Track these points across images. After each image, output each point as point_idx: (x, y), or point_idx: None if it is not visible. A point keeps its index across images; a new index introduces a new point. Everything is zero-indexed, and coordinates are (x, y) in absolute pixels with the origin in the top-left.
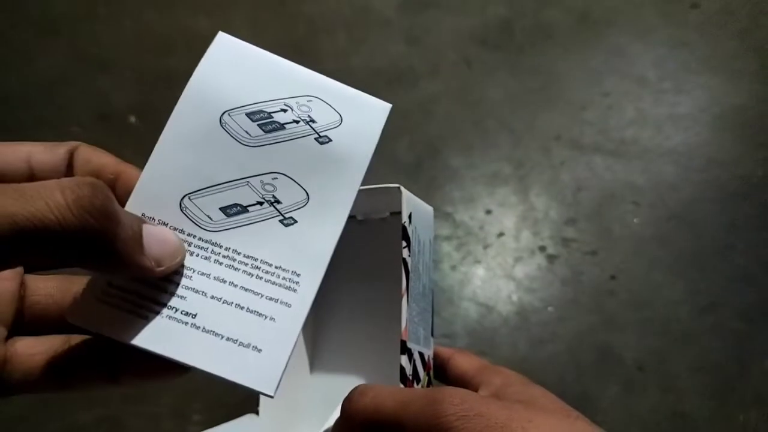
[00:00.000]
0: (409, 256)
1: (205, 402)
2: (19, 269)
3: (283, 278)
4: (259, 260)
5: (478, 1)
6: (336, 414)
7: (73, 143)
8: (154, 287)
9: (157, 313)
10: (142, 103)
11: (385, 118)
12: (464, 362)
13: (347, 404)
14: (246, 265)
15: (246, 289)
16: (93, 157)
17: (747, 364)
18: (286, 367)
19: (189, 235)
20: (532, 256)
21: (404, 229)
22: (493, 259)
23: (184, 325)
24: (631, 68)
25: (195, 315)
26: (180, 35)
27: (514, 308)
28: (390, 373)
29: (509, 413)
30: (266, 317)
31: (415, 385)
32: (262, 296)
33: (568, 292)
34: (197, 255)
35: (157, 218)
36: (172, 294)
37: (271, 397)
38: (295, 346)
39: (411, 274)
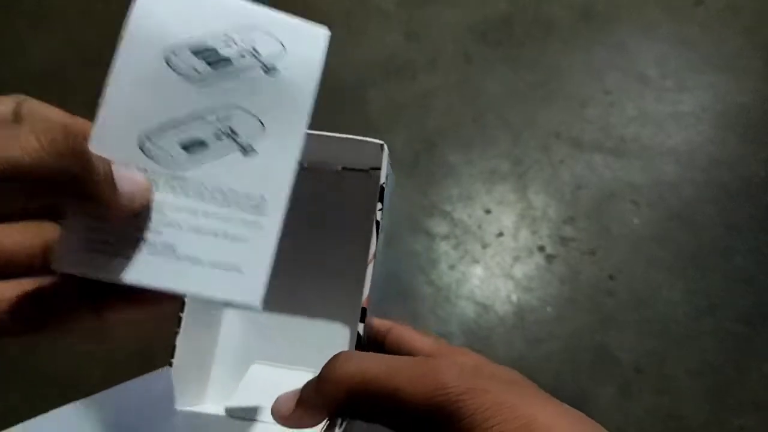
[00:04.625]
0: (382, 219)
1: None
2: None
3: (252, 204)
4: (226, 189)
5: None
6: (244, 389)
7: (19, 96)
8: (131, 226)
9: (139, 250)
10: None
11: (326, 44)
12: (414, 338)
13: (330, 371)
14: (214, 196)
15: (218, 218)
16: (40, 109)
17: (745, 367)
18: (266, 282)
19: (153, 173)
20: (531, 255)
21: (382, 189)
22: (492, 258)
23: (166, 257)
24: (633, 65)
25: (174, 247)
26: None
27: (511, 308)
28: (337, 340)
29: (514, 392)
30: (241, 240)
31: None
32: (235, 222)
33: (567, 292)
34: (165, 192)
35: (118, 160)
36: (149, 231)
37: (258, 309)
38: (272, 263)
39: (380, 238)
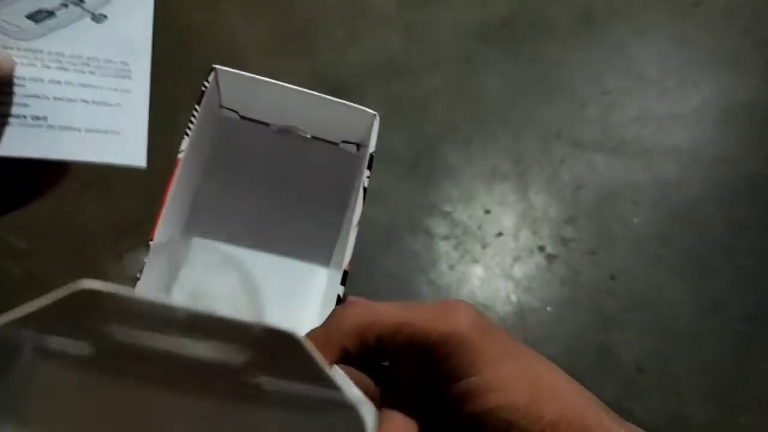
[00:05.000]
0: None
1: None
2: None
3: (116, 69)
4: (85, 57)
5: None
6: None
7: None
8: None
9: (7, 124)
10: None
11: None
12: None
13: (338, 314)
14: (75, 64)
15: (84, 85)
16: None
17: (748, 366)
18: (146, 143)
19: (4, 47)
20: (531, 255)
21: (371, 158)
22: (492, 258)
23: (38, 128)
24: (633, 65)
25: (45, 117)
26: (175, 27)
27: (512, 308)
28: (308, 298)
29: (521, 349)
30: (113, 105)
31: None
32: (102, 88)
33: (567, 292)
34: (22, 64)
35: None
36: (15, 104)
37: (143, 168)
38: (147, 123)
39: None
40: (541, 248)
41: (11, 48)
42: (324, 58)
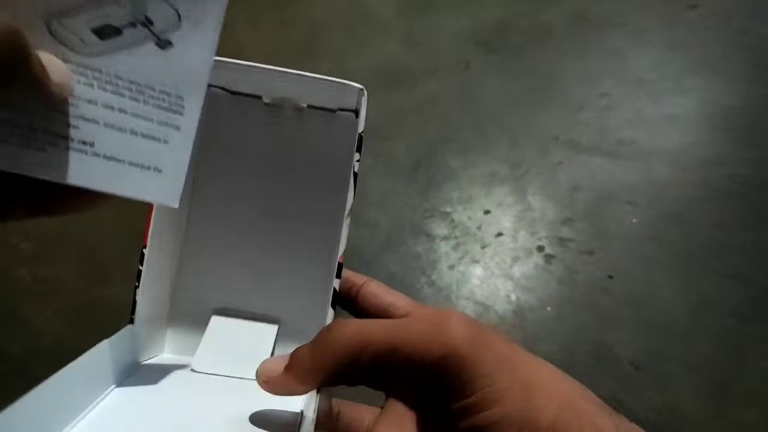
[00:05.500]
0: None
1: None
2: None
3: (169, 102)
4: (143, 85)
5: (477, 3)
6: (207, 344)
7: None
8: (47, 120)
9: (56, 145)
10: None
11: None
12: (389, 293)
13: (327, 334)
14: (130, 90)
15: (136, 115)
16: None
17: (743, 362)
18: (184, 182)
19: (65, 61)
20: (530, 255)
21: (360, 138)
22: (491, 258)
23: (83, 154)
24: (629, 69)
25: (93, 143)
26: None
27: (511, 307)
28: (308, 296)
29: (514, 351)
30: (160, 140)
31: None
32: (153, 121)
33: (565, 291)
34: (80, 82)
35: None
36: (67, 125)
37: (175, 207)
38: (189, 164)
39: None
40: (540, 248)
41: (71, 62)
42: (324, 65)
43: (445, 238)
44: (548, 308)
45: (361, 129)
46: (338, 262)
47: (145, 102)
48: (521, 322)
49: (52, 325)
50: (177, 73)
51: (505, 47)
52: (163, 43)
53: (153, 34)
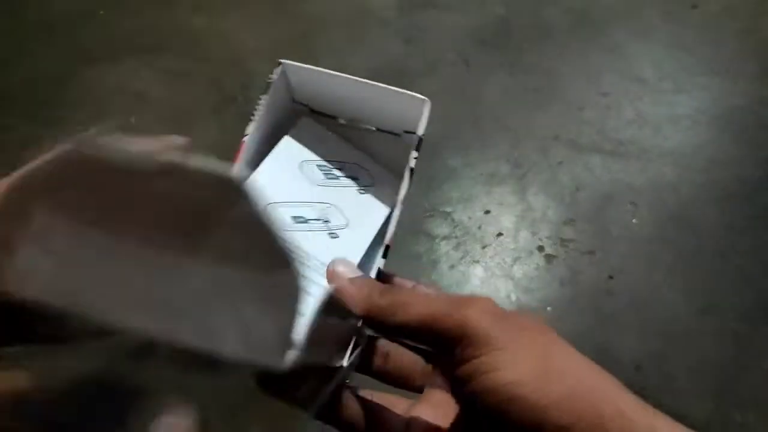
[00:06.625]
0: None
1: None
2: None
3: (322, 272)
4: (311, 256)
5: (477, 1)
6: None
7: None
8: None
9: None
10: (141, 102)
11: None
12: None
13: (405, 294)
14: (302, 257)
15: (310, 294)
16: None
17: (746, 365)
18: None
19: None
20: (531, 256)
21: (420, 141)
22: (492, 258)
23: None
24: (630, 68)
25: None
26: (179, 34)
27: (512, 308)
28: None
29: (534, 323)
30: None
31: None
32: (308, 282)
33: (566, 292)
34: None
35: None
36: None
37: (284, 371)
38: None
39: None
40: (541, 249)
41: None
42: (324, 63)
43: (446, 237)
44: (549, 309)
45: (421, 133)
46: (386, 245)
47: (308, 267)
48: None
49: None
50: (337, 255)
51: (506, 45)
52: (333, 236)
53: (328, 228)
